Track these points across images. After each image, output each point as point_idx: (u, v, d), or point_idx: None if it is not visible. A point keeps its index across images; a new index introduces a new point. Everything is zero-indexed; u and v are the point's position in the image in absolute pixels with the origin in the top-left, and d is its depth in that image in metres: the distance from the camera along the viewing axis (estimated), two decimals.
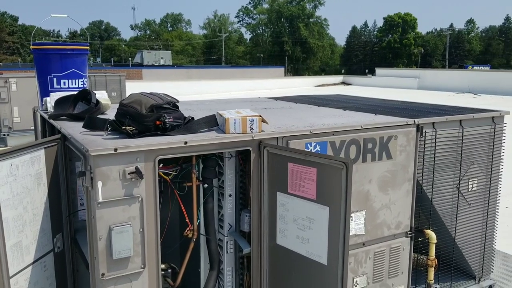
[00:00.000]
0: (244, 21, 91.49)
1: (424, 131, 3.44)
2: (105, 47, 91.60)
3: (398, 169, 3.37)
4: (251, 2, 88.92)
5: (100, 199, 2.37)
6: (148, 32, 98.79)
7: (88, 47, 4.05)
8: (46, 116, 3.61)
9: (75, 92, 3.50)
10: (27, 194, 2.69)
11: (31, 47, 3.99)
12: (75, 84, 3.90)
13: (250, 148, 2.80)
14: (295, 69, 79.81)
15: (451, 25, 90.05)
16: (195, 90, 26.18)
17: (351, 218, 3.20)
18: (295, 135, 2.95)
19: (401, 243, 3.49)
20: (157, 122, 2.68)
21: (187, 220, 2.86)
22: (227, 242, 3.06)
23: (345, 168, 2.37)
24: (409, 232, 3.51)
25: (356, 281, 3.33)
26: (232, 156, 2.98)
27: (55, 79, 3.84)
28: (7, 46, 75.13)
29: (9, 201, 2.55)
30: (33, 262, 2.77)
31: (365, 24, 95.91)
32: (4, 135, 12.39)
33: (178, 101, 2.91)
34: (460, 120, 3.65)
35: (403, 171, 3.39)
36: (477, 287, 4.04)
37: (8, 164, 2.53)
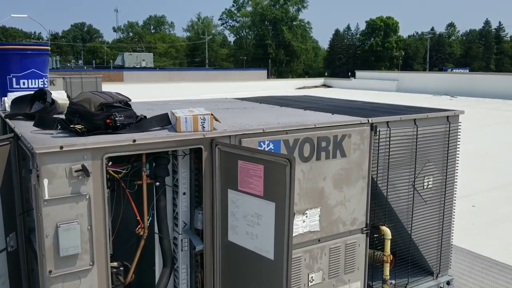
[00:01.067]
0: (227, 23, 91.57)
1: (378, 130, 3.51)
2: (87, 50, 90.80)
3: (352, 167, 3.43)
4: (235, 4, 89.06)
5: (46, 197, 2.38)
6: (131, 34, 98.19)
7: (49, 47, 4.05)
8: (3, 116, 3.60)
9: (32, 92, 3.50)
10: None
11: None
12: (35, 84, 3.89)
13: (202, 146, 2.83)
14: (279, 72, 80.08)
15: (432, 29, 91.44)
16: (178, 93, 26.08)
17: (305, 215, 3.27)
18: (247, 134, 2.99)
19: (357, 239, 3.56)
20: (108, 121, 2.70)
21: (138, 218, 2.88)
22: (181, 240, 3.09)
23: (289, 164, 2.42)
24: (365, 229, 3.58)
25: (312, 277, 3.38)
26: (186, 154, 3.02)
27: (14, 79, 3.82)
28: None
29: None
30: None
31: (348, 28, 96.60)
32: None
33: (130, 100, 2.93)
34: (415, 119, 3.74)
35: (358, 168, 3.46)
36: (435, 282, 4.13)
37: None
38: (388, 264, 3.70)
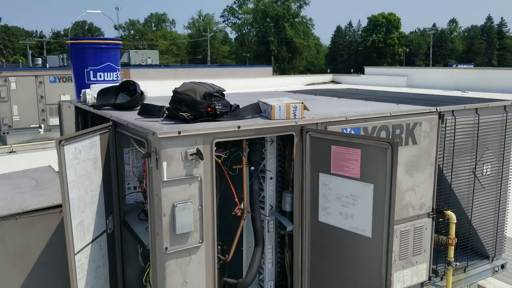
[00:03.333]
0: (229, 20, 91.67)
1: (445, 118, 3.69)
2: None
3: (422, 154, 3.61)
4: (236, 1, 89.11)
5: (165, 178, 2.56)
6: (132, 32, 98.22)
7: (120, 42, 4.22)
8: (84, 107, 3.77)
9: (116, 84, 3.67)
10: (87, 177, 2.86)
11: (68, 41, 4.14)
12: (110, 77, 4.06)
13: (293, 133, 3.01)
14: (281, 69, 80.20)
15: (434, 25, 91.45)
16: None
17: None
18: (333, 121, 3.17)
19: (424, 223, 3.74)
20: (208, 109, 2.88)
21: (236, 200, 3.06)
22: (268, 222, 3.27)
23: (390, 148, 2.60)
24: (431, 213, 3.76)
25: None
26: (273, 141, 3.19)
27: (91, 72, 3.99)
28: None
29: (74, 182, 2.72)
30: (92, 241, 2.94)
31: (350, 24, 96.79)
32: (4, 133, 12.39)
33: (224, 90, 3.11)
34: (476, 109, 3.91)
35: (427, 155, 3.64)
36: (491, 266, 4.31)
37: (73, 148, 2.70)
38: (453, 247, 3.88)
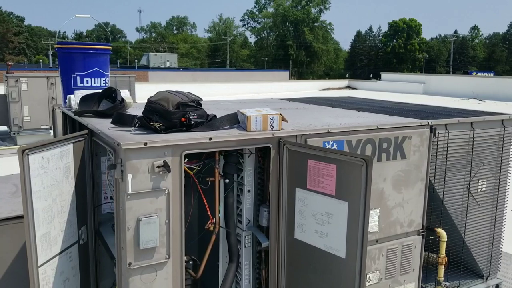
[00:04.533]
0: (249, 24, 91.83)
1: (437, 132, 3.54)
2: (111, 49, 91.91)
3: (412, 169, 3.47)
4: (256, 6, 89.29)
5: (130, 191, 2.48)
6: (153, 34, 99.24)
7: (110, 47, 4.17)
8: (69, 113, 3.73)
9: (100, 90, 3.61)
10: (56, 186, 2.80)
11: (56, 46, 4.10)
12: (98, 83, 4.01)
13: (271, 145, 2.90)
14: (299, 73, 80.00)
15: (456, 32, 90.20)
16: (201, 93, 26.27)
17: None
18: (313, 134, 3.05)
19: (413, 241, 3.58)
20: (182, 119, 2.79)
21: (209, 213, 2.96)
22: (245, 237, 3.17)
23: (365, 165, 2.47)
24: (421, 231, 3.61)
25: (369, 277, 3.42)
26: (251, 153, 3.09)
27: (78, 78, 3.95)
28: (13, 46, 75.58)
29: (40, 192, 2.65)
30: (60, 253, 2.87)
31: (370, 29, 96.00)
32: (14, 133, 12.54)
33: (201, 99, 3.02)
34: (471, 122, 3.75)
35: (417, 170, 3.49)
36: (485, 285, 4.13)
37: (40, 157, 2.63)
38: (443, 266, 3.72)
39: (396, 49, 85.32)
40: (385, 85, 32.17)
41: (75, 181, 2.99)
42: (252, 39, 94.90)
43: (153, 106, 2.78)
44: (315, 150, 2.75)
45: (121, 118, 2.88)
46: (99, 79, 4.00)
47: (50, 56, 47.65)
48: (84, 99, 3.52)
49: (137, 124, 2.78)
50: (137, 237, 2.53)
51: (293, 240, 2.93)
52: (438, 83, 29.71)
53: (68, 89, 3.97)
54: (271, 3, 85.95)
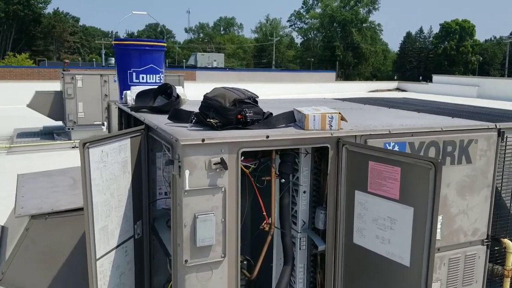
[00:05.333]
0: (296, 25, 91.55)
1: (505, 136, 3.32)
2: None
3: (477, 174, 3.26)
4: (304, 6, 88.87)
5: (187, 187, 2.44)
6: (201, 35, 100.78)
7: (165, 44, 4.19)
8: (125, 109, 3.76)
9: (155, 86, 3.63)
10: (114, 180, 2.81)
11: (113, 42, 4.17)
12: (153, 79, 4.04)
13: (329, 145, 2.80)
14: (346, 74, 78.96)
15: (511, 33, 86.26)
16: None
17: None
18: (374, 134, 2.92)
19: (477, 251, 3.38)
20: (239, 116, 2.74)
21: (264, 213, 2.89)
22: (300, 239, 3.08)
23: (433, 168, 2.33)
24: (486, 240, 3.40)
25: None
26: (308, 152, 3.00)
27: (134, 74, 3.98)
28: (68, 45, 78.82)
29: (99, 186, 2.67)
30: (117, 247, 2.88)
31: (421, 30, 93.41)
32: (69, 129, 12.99)
33: (258, 97, 2.96)
34: None
35: (482, 176, 3.29)
36: None
37: (99, 151, 2.65)
38: (509, 279, 3.49)
39: (448, 51, 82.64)
40: (436, 87, 31.12)
41: (131, 175, 3.00)
42: (298, 40, 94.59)
43: (209, 103, 2.74)
44: (377, 151, 2.62)
45: (178, 114, 2.86)
46: (154, 75, 4.03)
47: (103, 55, 49.29)
48: (140, 95, 3.55)
49: (194, 120, 2.74)
50: (193, 234, 2.50)
51: (352, 244, 2.81)
52: (493, 86, 28.44)
53: (124, 85, 4.01)
54: (319, 4, 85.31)
